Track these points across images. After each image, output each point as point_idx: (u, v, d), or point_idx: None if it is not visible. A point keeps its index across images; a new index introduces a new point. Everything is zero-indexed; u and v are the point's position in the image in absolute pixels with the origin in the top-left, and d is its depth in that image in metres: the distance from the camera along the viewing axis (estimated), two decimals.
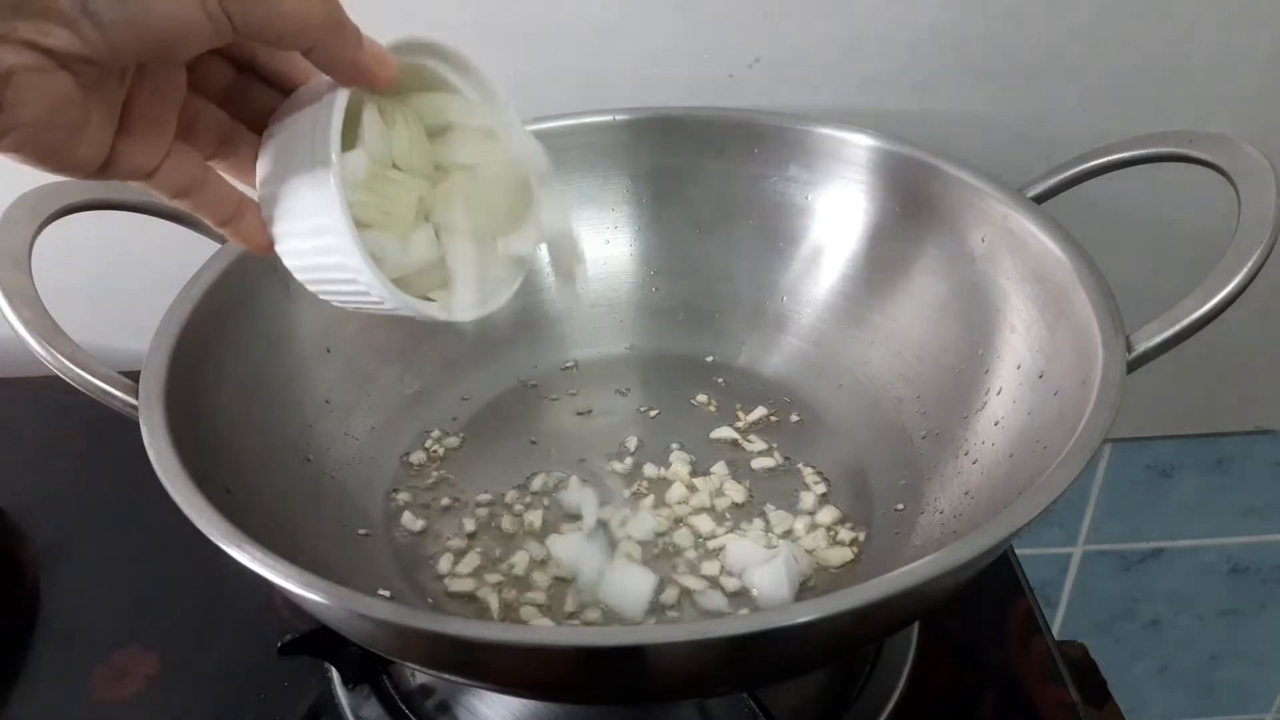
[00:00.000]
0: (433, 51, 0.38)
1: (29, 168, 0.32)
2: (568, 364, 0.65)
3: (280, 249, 0.38)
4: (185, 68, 0.35)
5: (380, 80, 0.35)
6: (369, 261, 0.36)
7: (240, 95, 0.38)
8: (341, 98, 0.35)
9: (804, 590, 0.51)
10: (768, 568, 0.50)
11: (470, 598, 0.51)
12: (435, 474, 0.58)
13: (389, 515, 0.56)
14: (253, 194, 0.38)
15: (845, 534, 0.53)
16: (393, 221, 0.38)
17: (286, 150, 0.36)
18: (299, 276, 0.39)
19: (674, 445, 0.59)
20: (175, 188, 0.36)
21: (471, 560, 0.53)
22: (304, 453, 0.54)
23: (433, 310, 0.39)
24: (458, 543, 0.54)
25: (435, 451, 0.60)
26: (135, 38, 0.29)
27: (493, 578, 0.52)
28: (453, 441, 0.60)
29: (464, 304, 0.40)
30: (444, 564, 0.53)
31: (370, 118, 0.37)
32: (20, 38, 0.28)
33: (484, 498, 0.57)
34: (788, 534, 0.54)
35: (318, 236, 0.36)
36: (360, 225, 0.36)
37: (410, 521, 0.55)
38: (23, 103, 0.29)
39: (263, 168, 0.37)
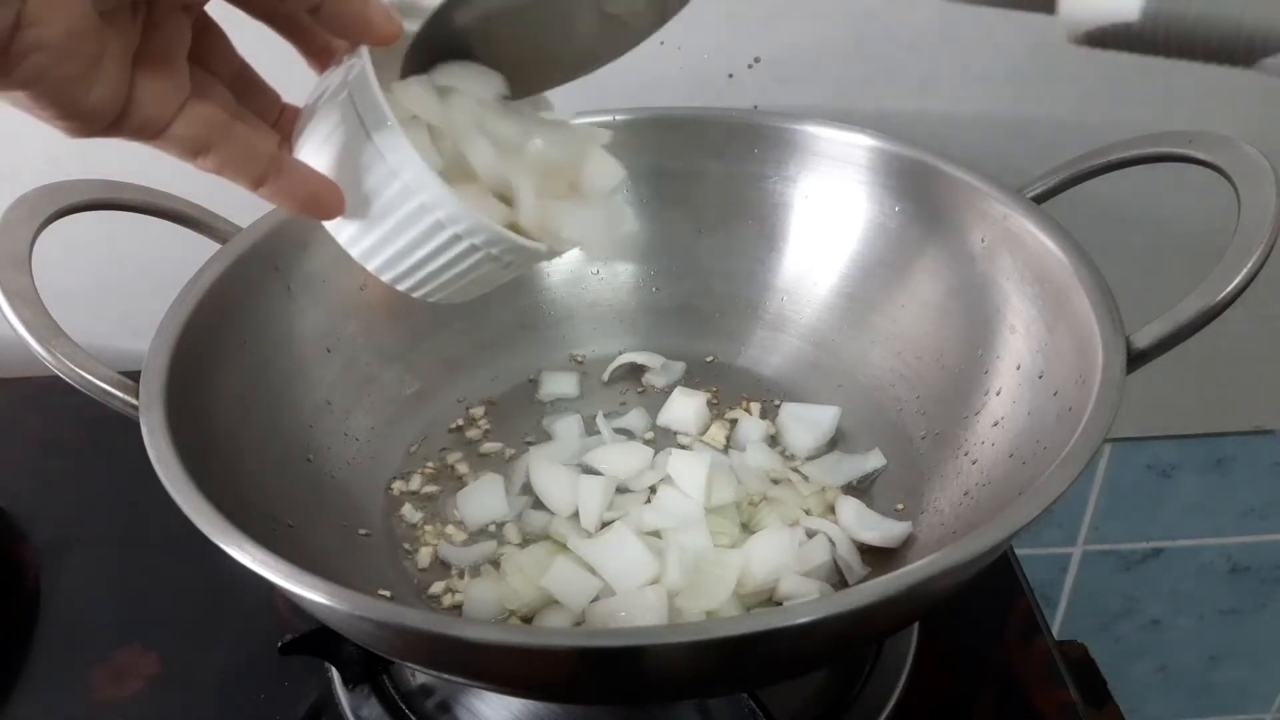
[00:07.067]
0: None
1: (36, 124, 0.29)
2: (567, 364, 0.65)
3: (345, 236, 0.37)
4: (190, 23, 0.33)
5: (388, 36, 0.34)
6: (466, 205, 0.35)
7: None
8: (366, 58, 0.34)
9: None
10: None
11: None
12: (436, 474, 0.58)
13: (389, 515, 0.56)
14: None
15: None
16: (457, 176, 0.37)
17: (328, 134, 0.35)
18: (377, 264, 0.38)
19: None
20: (194, 141, 0.33)
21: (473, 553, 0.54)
22: (304, 453, 0.54)
23: (540, 247, 0.38)
24: (458, 533, 0.55)
25: (435, 452, 0.60)
26: None
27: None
28: (453, 441, 0.60)
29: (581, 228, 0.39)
30: (445, 551, 0.54)
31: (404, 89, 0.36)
32: None
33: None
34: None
35: (401, 205, 0.35)
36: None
37: (410, 519, 0.55)
38: (43, 20, 0.27)
39: (308, 158, 0.36)
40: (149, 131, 0.32)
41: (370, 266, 0.38)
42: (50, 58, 0.28)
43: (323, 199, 0.36)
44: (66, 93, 0.29)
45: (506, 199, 0.39)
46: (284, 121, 0.38)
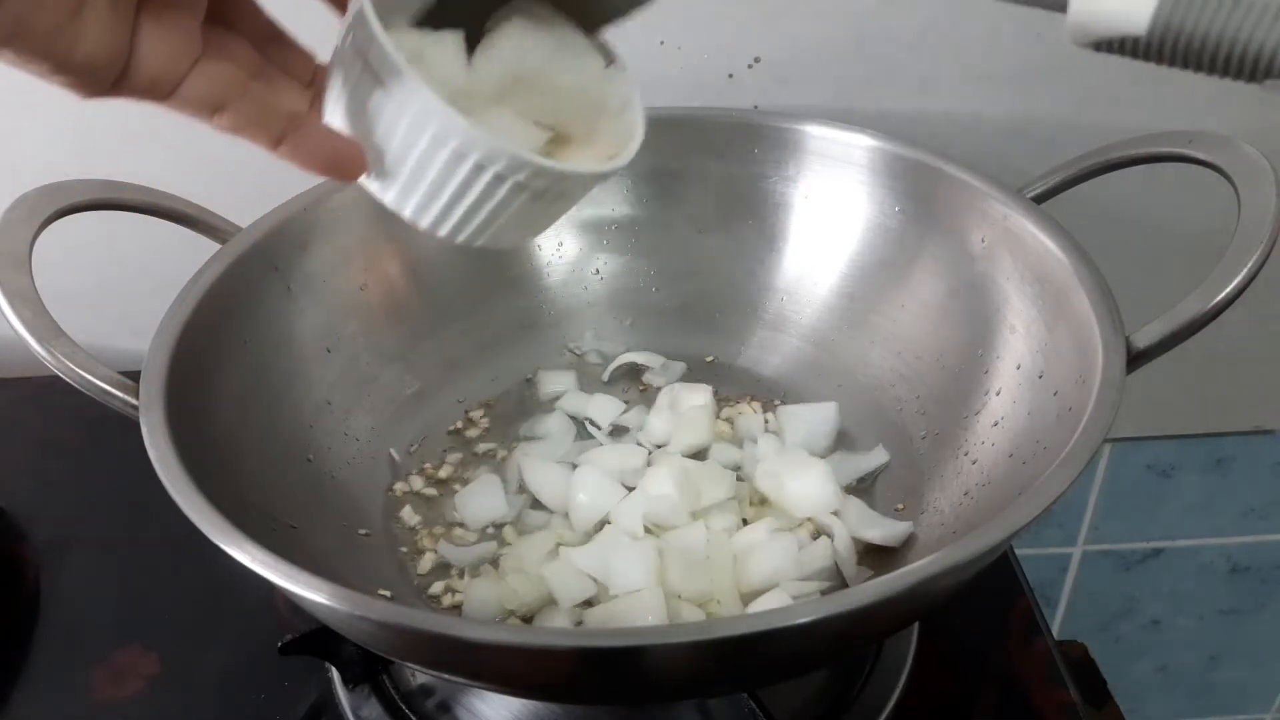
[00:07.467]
0: None
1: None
2: (567, 363, 0.65)
3: (376, 186, 0.36)
4: None
5: None
6: (482, 131, 0.33)
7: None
8: (366, 2, 0.32)
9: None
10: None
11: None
12: (436, 474, 0.58)
13: (389, 515, 0.56)
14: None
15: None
16: (471, 104, 0.35)
17: (343, 82, 0.34)
18: (411, 210, 0.36)
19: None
20: (207, 100, 0.31)
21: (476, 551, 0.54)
22: (304, 453, 0.54)
23: (571, 167, 0.36)
24: (458, 533, 0.55)
25: (436, 452, 0.60)
26: None
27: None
28: (453, 442, 0.60)
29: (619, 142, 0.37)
30: (445, 550, 0.54)
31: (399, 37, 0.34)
32: None
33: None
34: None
35: (417, 141, 0.33)
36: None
37: (410, 520, 0.55)
38: None
39: (330, 114, 0.35)
40: (159, 91, 0.31)
41: (405, 214, 0.36)
42: (24, 7, 0.27)
43: (343, 158, 0.34)
44: (52, 45, 0.28)
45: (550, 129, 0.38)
46: (318, 81, 0.37)
